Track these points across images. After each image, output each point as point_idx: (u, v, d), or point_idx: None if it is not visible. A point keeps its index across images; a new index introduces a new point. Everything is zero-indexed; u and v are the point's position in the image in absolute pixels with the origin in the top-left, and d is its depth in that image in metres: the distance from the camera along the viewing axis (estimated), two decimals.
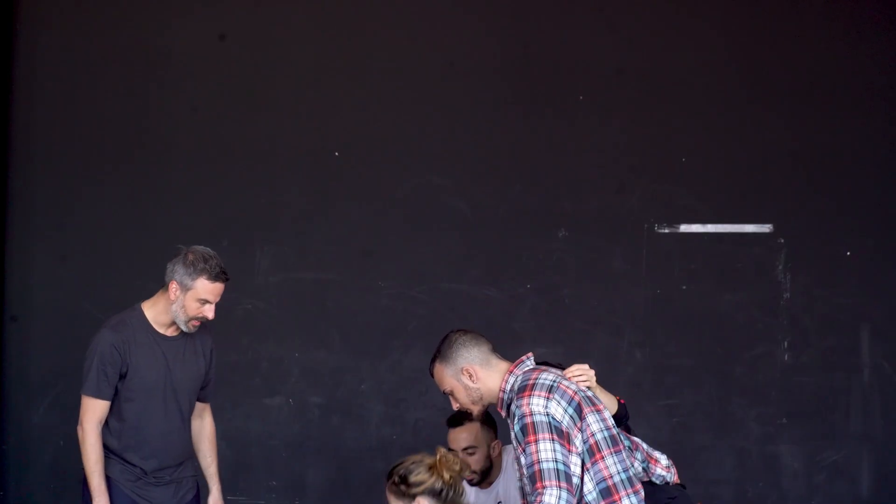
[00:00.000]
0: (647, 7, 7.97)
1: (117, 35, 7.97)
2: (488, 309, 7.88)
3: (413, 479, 4.85)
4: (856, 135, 7.90)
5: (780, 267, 7.89)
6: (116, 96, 7.94)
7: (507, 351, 7.87)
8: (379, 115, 7.95)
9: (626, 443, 5.10)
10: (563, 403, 4.78)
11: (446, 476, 4.81)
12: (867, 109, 7.91)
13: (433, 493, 4.83)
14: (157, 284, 7.86)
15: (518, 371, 4.99)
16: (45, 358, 7.88)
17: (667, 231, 7.91)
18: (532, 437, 4.73)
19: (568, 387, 4.86)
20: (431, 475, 4.83)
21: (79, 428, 5.58)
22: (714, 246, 7.88)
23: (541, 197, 7.92)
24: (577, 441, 4.76)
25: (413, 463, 4.89)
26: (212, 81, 7.97)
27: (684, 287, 7.87)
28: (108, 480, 5.58)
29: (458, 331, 5.11)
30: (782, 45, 7.95)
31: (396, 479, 4.89)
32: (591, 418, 4.82)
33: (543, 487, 4.65)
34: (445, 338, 5.11)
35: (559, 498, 4.64)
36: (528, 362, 5.04)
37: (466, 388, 5.02)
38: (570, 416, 4.78)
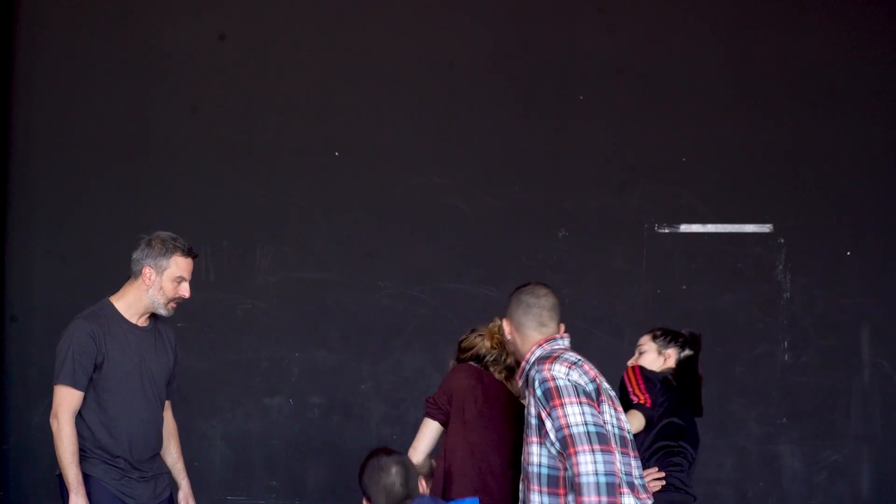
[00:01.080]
0: (647, 7, 7.97)
1: (117, 35, 7.97)
2: (488, 309, 7.86)
3: (464, 344, 5.53)
4: (855, 135, 7.90)
5: (780, 267, 7.89)
6: (116, 96, 7.95)
7: None
8: (379, 115, 7.95)
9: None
10: (585, 378, 4.77)
11: (488, 344, 5.44)
12: (867, 110, 7.92)
13: (476, 358, 5.46)
14: None
15: (547, 346, 4.97)
16: (45, 358, 7.84)
17: (667, 231, 7.91)
18: (557, 401, 4.70)
19: (591, 368, 4.86)
20: (480, 340, 5.48)
21: (52, 420, 5.51)
22: (714, 246, 7.88)
23: (541, 197, 7.92)
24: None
25: (472, 331, 5.55)
26: (212, 81, 7.97)
27: (684, 287, 7.88)
28: (92, 479, 5.53)
29: (536, 285, 5.15)
30: (782, 45, 7.95)
31: (457, 346, 5.55)
32: (605, 407, 4.80)
33: (575, 453, 4.61)
34: (527, 284, 5.17)
35: (595, 462, 4.58)
36: (561, 341, 5.01)
37: (506, 333, 5.13)
38: (591, 391, 4.76)
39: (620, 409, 4.98)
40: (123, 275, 7.83)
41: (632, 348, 7.74)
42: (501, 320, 5.21)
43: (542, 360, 4.86)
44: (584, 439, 4.60)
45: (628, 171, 7.93)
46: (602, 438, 4.61)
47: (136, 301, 5.68)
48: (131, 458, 5.60)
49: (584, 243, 7.90)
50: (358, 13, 7.99)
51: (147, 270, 5.64)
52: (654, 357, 6.00)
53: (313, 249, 7.92)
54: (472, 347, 5.50)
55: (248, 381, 7.88)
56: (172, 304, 5.69)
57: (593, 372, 4.86)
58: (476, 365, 5.49)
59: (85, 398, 5.55)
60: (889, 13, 7.96)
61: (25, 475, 7.88)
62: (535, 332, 5.01)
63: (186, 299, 5.71)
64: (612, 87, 7.94)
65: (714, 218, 7.91)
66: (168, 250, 5.64)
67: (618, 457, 4.76)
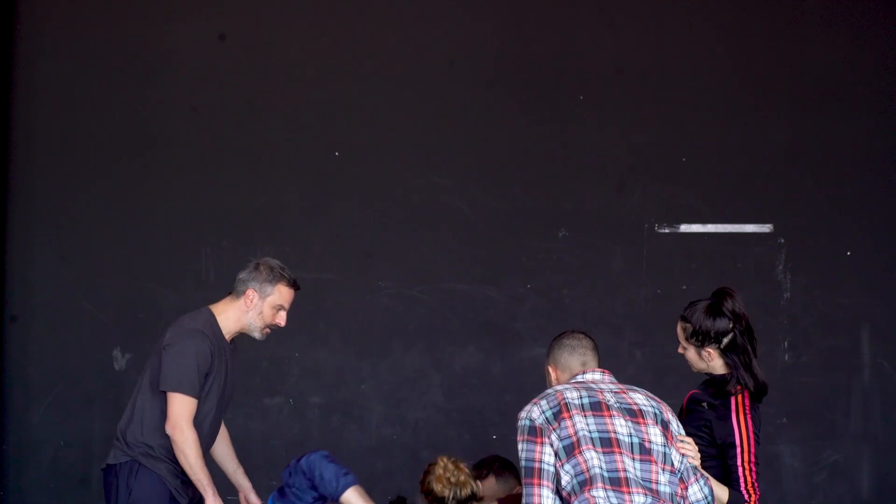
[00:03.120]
0: (647, 7, 7.97)
1: (117, 35, 7.97)
2: (488, 309, 7.88)
3: (424, 488, 5.62)
4: (856, 135, 7.90)
5: (780, 267, 7.89)
6: (116, 96, 7.94)
7: (508, 351, 7.91)
8: (379, 115, 7.95)
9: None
10: (545, 406, 5.05)
11: (439, 486, 5.58)
12: (867, 109, 7.91)
13: (439, 501, 5.59)
14: (157, 284, 7.91)
15: (569, 381, 5.26)
16: (45, 358, 7.88)
17: (667, 231, 7.91)
18: (518, 437, 5.06)
19: (564, 394, 5.08)
20: (437, 484, 5.58)
21: (175, 430, 5.60)
22: (714, 246, 7.88)
23: (541, 197, 7.92)
24: (553, 436, 4.97)
25: (426, 473, 5.62)
26: (212, 81, 7.97)
27: (684, 287, 7.87)
28: (155, 475, 5.67)
29: (573, 333, 5.39)
30: (782, 45, 7.95)
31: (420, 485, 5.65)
32: (577, 419, 5.00)
33: (524, 485, 5.00)
34: (564, 332, 5.41)
35: (529, 494, 4.95)
36: (586, 375, 5.27)
37: (548, 381, 5.36)
38: (546, 418, 5.01)
39: (613, 413, 5.03)
40: (123, 275, 7.87)
41: (632, 348, 7.77)
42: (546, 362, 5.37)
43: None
44: (525, 473, 5.01)
45: (628, 171, 7.93)
46: (527, 472, 4.98)
47: (235, 320, 5.83)
48: None
49: (584, 243, 7.90)
50: (358, 13, 7.99)
51: (251, 293, 5.79)
52: (697, 360, 5.40)
53: (313, 249, 7.92)
54: (431, 492, 5.62)
55: (248, 381, 7.87)
56: (267, 330, 5.87)
57: (563, 396, 5.06)
58: None
59: None
60: (889, 13, 7.96)
61: (25, 475, 7.88)
62: (580, 370, 5.29)
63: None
64: (612, 87, 7.94)
65: (714, 218, 7.91)
66: (275, 278, 5.81)
67: (590, 454, 4.94)
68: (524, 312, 7.87)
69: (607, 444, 4.97)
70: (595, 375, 5.25)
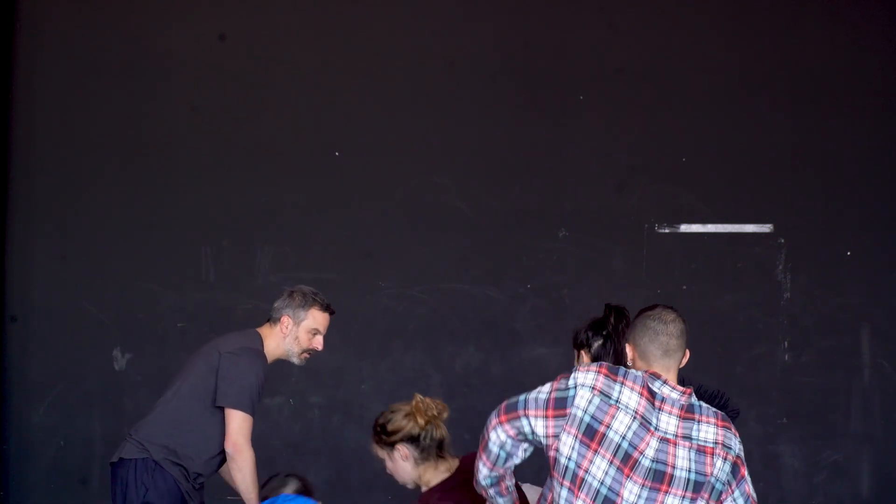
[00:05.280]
0: (647, 7, 7.98)
1: (118, 35, 7.97)
2: (488, 309, 7.89)
3: (391, 427, 4.93)
4: (856, 135, 7.91)
5: (780, 267, 7.89)
6: (117, 96, 7.95)
7: (508, 351, 7.90)
8: (379, 115, 7.95)
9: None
10: (595, 406, 4.45)
11: (421, 421, 4.91)
12: (867, 110, 7.92)
13: (411, 439, 4.92)
14: (157, 285, 7.91)
15: (651, 380, 4.53)
16: (45, 358, 7.88)
17: (667, 231, 7.92)
18: (551, 383, 4.53)
19: (617, 417, 4.44)
20: (408, 421, 4.93)
21: (235, 449, 5.72)
22: (714, 246, 7.89)
23: (541, 197, 7.92)
24: (566, 439, 4.44)
25: (392, 412, 4.96)
26: (212, 81, 7.98)
27: (684, 287, 7.88)
28: (170, 477, 5.74)
29: (662, 313, 4.69)
30: (783, 45, 7.95)
31: (378, 429, 4.95)
32: (599, 464, 4.43)
33: (490, 424, 4.65)
34: (655, 305, 4.75)
35: (490, 430, 4.66)
36: (667, 390, 4.55)
37: (629, 359, 4.70)
38: (585, 422, 4.44)
39: (635, 477, 4.47)
40: (124, 275, 7.87)
41: None
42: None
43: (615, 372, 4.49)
44: (505, 404, 4.61)
45: (628, 171, 7.93)
46: (509, 407, 4.55)
47: (275, 347, 5.95)
48: (206, 475, 5.86)
49: (584, 243, 7.90)
50: (358, 13, 7.99)
51: (286, 319, 5.94)
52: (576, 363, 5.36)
53: (313, 249, 7.92)
54: (401, 429, 4.97)
55: None
56: (305, 355, 6.00)
57: (615, 416, 4.42)
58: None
59: (217, 424, 5.77)
60: (889, 13, 7.96)
61: (25, 475, 7.88)
62: (659, 362, 4.61)
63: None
64: (612, 87, 7.95)
65: (714, 218, 7.91)
66: (307, 303, 5.99)
67: (503, 432, 4.61)
68: (524, 312, 7.87)
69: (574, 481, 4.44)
70: (672, 395, 4.56)
